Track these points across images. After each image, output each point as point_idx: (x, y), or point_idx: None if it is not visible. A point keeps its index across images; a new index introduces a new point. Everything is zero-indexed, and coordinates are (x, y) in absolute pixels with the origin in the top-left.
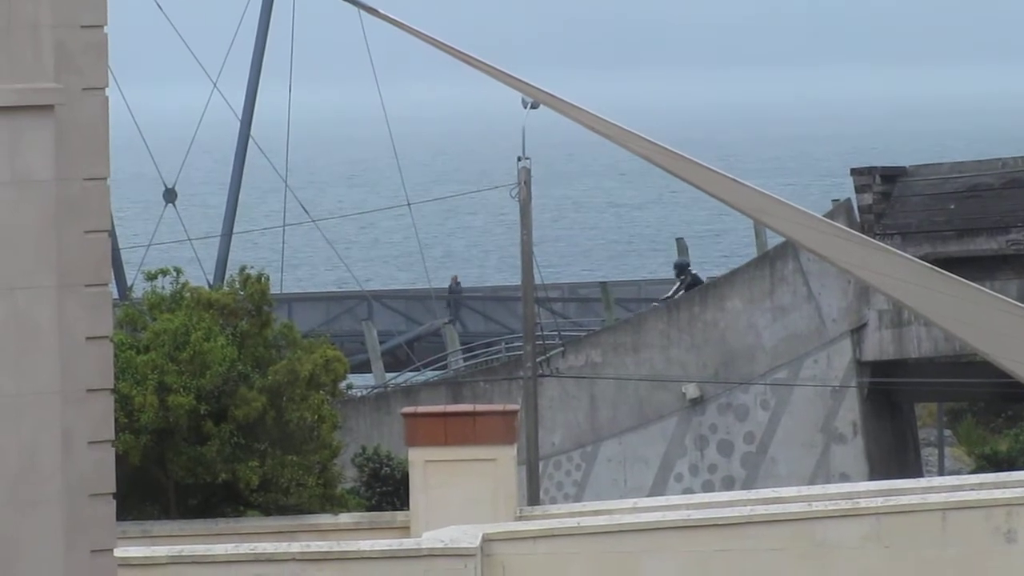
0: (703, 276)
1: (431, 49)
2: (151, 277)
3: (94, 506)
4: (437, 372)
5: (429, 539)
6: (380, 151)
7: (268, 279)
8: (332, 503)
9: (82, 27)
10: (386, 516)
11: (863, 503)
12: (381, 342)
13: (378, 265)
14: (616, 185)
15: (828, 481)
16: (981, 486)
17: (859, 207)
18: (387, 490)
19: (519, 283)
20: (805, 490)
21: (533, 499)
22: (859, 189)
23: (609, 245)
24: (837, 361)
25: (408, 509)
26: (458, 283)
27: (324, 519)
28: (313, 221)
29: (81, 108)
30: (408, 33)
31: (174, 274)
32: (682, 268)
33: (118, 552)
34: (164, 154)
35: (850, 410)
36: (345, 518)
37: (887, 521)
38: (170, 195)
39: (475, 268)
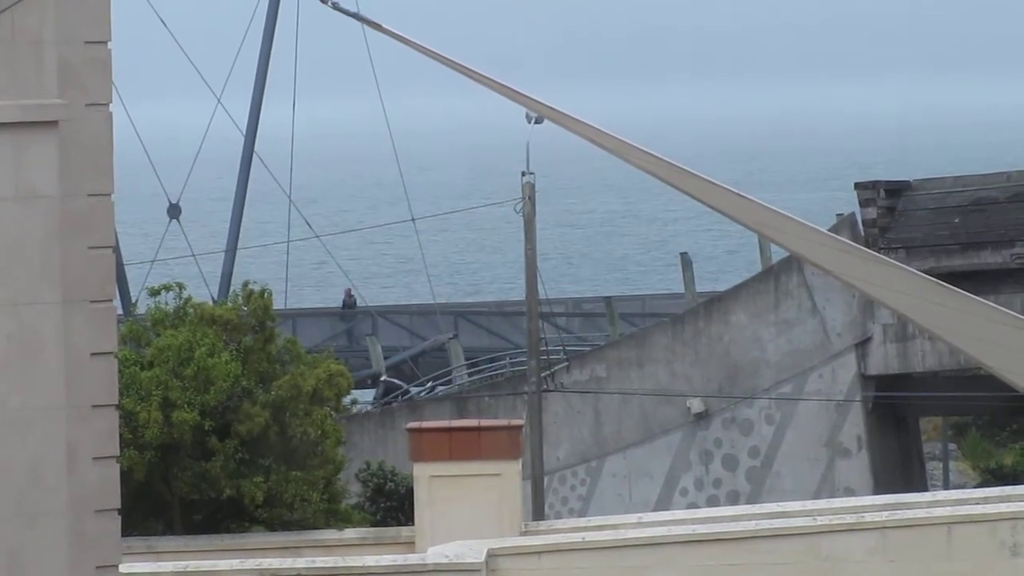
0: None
1: (436, 63)
2: (155, 293)
3: (99, 521)
4: (442, 387)
5: (434, 554)
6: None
7: (271, 294)
8: (337, 518)
9: (86, 43)
10: (391, 531)
11: (868, 517)
12: (385, 357)
13: (382, 280)
14: (620, 199)
15: (833, 495)
16: (986, 500)
17: (863, 221)
18: (392, 505)
19: (523, 298)
20: (810, 504)
21: (538, 514)
22: (863, 203)
23: (613, 260)
24: (842, 375)
25: (413, 524)
26: (352, 296)
27: (329, 534)
28: (317, 236)
29: (85, 124)
30: (412, 48)
31: (177, 290)
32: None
33: (123, 568)
34: (168, 170)
35: (855, 424)
36: (350, 533)
37: (892, 535)
38: (174, 211)
39: (479, 283)
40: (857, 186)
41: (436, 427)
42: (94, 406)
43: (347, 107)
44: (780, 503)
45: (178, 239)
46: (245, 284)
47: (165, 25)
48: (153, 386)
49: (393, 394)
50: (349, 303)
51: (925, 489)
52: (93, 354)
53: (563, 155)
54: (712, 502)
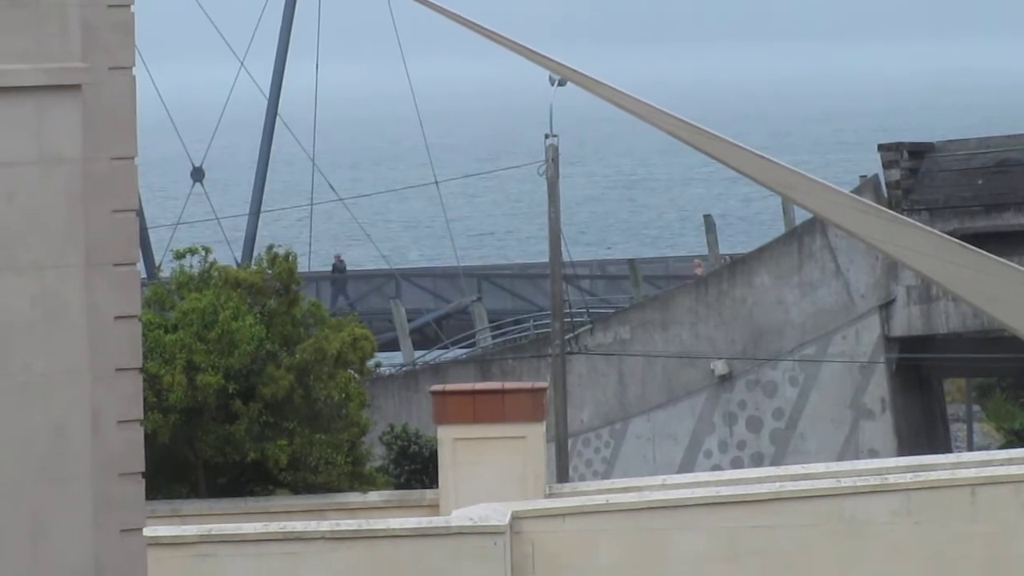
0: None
1: (458, 26)
2: (180, 256)
3: (123, 485)
4: (466, 350)
5: (458, 517)
6: (408, 129)
7: (296, 257)
8: (361, 481)
9: (109, 6)
10: (415, 494)
11: (892, 479)
12: (409, 320)
13: (406, 243)
14: (646, 163)
15: (857, 457)
16: (1010, 461)
17: (887, 183)
18: (416, 468)
19: (547, 260)
20: (834, 466)
21: (562, 476)
22: (887, 165)
23: (638, 223)
24: (866, 337)
25: (437, 487)
26: (341, 260)
27: (353, 497)
28: (341, 199)
29: (108, 87)
30: (434, 10)
31: (202, 253)
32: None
33: (147, 531)
34: (191, 133)
35: (878, 386)
36: (374, 496)
37: (916, 497)
38: (198, 174)
39: (504, 246)
40: (880, 148)
41: (460, 390)
42: (118, 369)
43: (372, 70)
44: (804, 465)
45: (202, 203)
46: (269, 247)
47: None
48: (177, 349)
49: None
50: (339, 267)
51: (949, 450)
52: (117, 317)
53: (593, 115)
54: (736, 464)
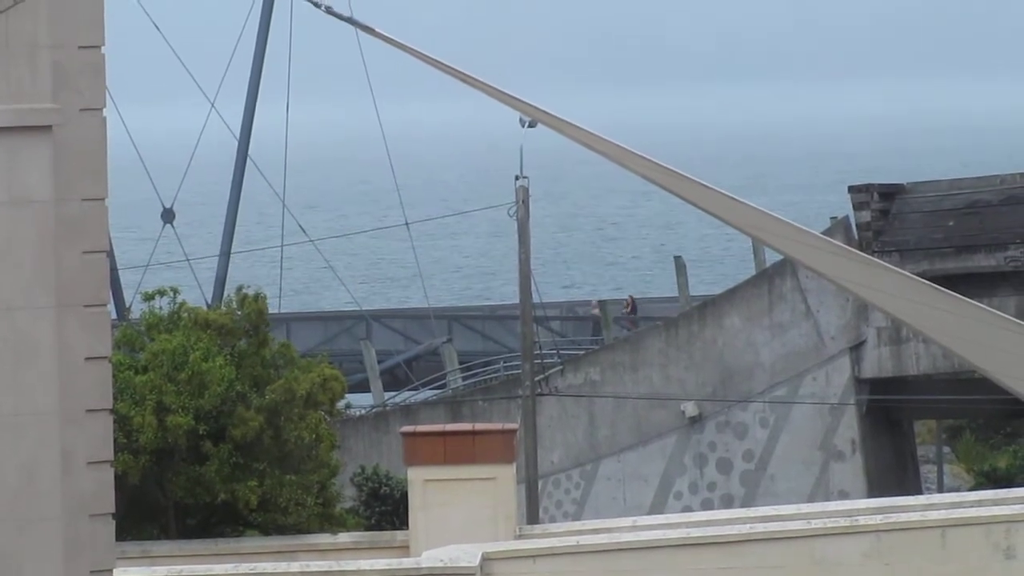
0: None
1: (430, 68)
2: (149, 298)
3: (93, 526)
4: (436, 391)
5: (429, 558)
6: (379, 170)
7: (265, 298)
8: (331, 522)
9: (80, 47)
10: (385, 535)
11: (863, 520)
12: (380, 361)
13: (376, 285)
14: (615, 204)
15: (827, 498)
16: (980, 503)
17: (857, 224)
18: (386, 509)
19: (517, 302)
20: (804, 508)
21: (532, 518)
22: (857, 206)
23: (607, 264)
24: (836, 378)
25: (407, 528)
26: None
27: (323, 538)
28: (311, 240)
29: (79, 128)
30: (404, 52)
31: (171, 294)
32: None
33: (117, 572)
34: (162, 174)
35: (849, 427)
36: (344, 537)
37: (887, 538)
38: (168, 216)
39: (473, 287)
40: (851, 189)
41: (430, 431)
42: (88, 410)
43: (344, 112)
44: (774, 506)
45: (172, 244)
46: (239, 288)
47: (159, 29)
48: (147, 390)
49: None
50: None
51: (919, 492)
52: (87, 358)
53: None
54: (706, 505)
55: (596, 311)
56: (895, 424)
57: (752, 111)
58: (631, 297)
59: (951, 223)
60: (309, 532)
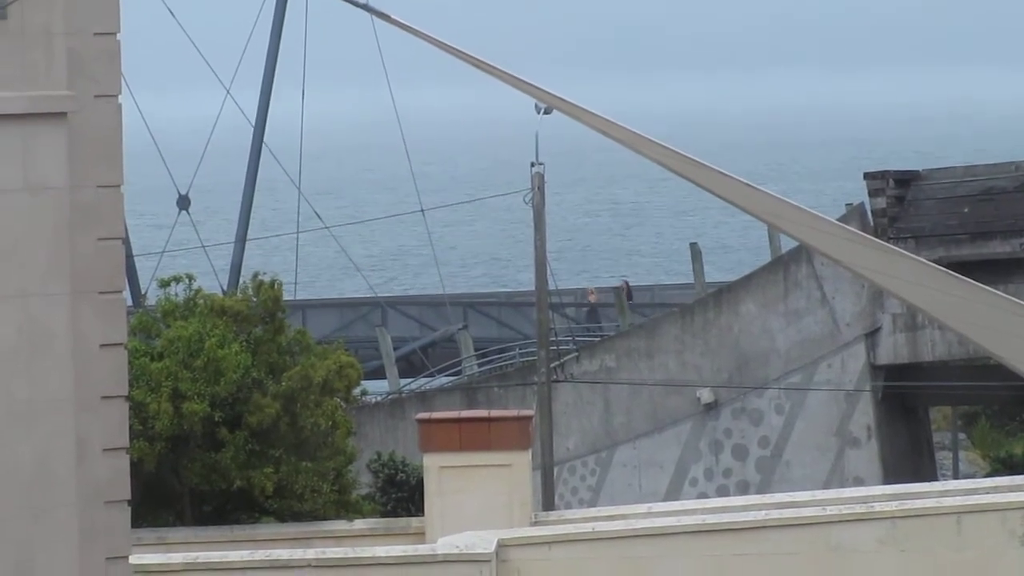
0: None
1: (446, 54)
2: (164, 284)
3: (109, 513)
4: (452, 378)
5: (444, 545)
6: (394, 157)
7: (281, 285)
8: (347, 509)
9: (95, 34)
10: (401, 522)
11: (878, 507)
12: (395, 348)
13: (392, 271)
14: (632, 190)
15: (843, 485)
16: (996, 489)
17: (873, 211)
18: (402, 496)
19: (533, 288)
20: (820, 494)
21: (548, 504)
22: (872, 193)
23: (624, 251)
24: (851, 365)
25: (423, 515)
26: None
27: (339, 525)
28: (327, 227)
29: (94, 115)
30: (420, 38)
31: (187, 281)
32: None
33: (133, 559)
34: (177, 161)
35: (864, 414)
36: (360, 524)
37: (902, 525)
38: (183, 202)
39: (490, 274)
40: (866, 176)
41: (446, 418)
42: (103, 397)
43: (359, 98)
44: (790, 493)
45: (188, 231)
46: (255, 275)
47: (174, 16)
48: (163, 377)
49: None
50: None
51: (935, 479)
52: (102, 345)
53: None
54: (722, 492)
55: (593, 298)
56: (910, 411)
57: (774, 97)
58: (626, 282)
59: (966, 210)
60: (325, 519)
